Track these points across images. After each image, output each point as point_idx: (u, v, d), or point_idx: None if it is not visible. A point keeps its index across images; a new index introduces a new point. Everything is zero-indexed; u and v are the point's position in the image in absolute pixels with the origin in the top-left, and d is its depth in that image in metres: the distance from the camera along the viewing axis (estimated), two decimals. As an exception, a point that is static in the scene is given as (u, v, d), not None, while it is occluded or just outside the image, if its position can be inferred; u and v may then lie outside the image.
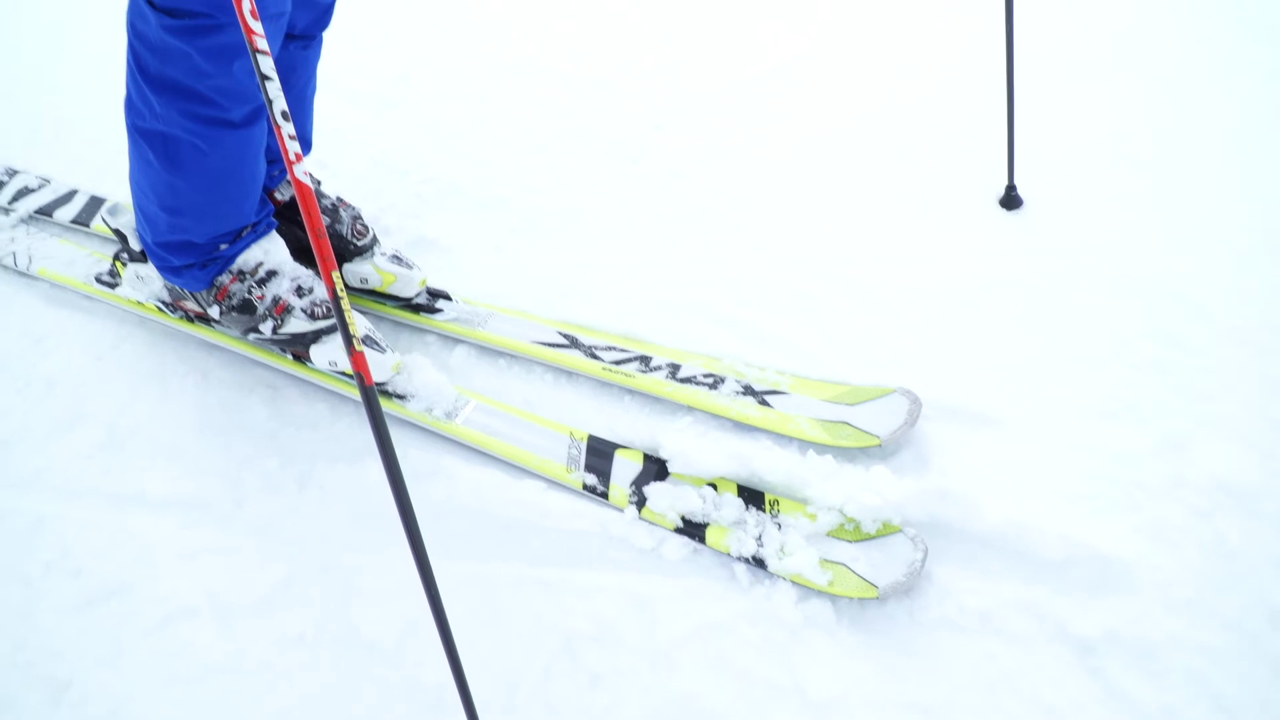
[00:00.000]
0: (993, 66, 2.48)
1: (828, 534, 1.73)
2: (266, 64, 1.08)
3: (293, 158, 1.12)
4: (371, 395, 1.21)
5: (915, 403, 1.91)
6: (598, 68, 2.95)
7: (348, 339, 1.20)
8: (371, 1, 2.26)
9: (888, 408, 1.92)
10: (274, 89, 1.09)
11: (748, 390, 1.99)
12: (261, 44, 1.07)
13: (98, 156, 2.53)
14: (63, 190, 2.43)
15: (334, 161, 2.50)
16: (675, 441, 1.88)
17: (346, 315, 1.19)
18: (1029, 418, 1.92)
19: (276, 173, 2.10)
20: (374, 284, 2.13)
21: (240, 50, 1.66)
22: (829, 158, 2.60)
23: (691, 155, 2.62)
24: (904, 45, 3.02)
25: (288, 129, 1.11)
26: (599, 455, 1.90)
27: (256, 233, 1.97)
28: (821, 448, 1.88)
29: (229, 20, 1.60)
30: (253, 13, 1.05)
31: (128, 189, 2.34)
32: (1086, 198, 2.43)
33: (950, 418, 1.93)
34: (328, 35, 2.05)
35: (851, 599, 1.65)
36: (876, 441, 1.85)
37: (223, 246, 1.93)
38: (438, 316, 2.15)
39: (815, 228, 2.39)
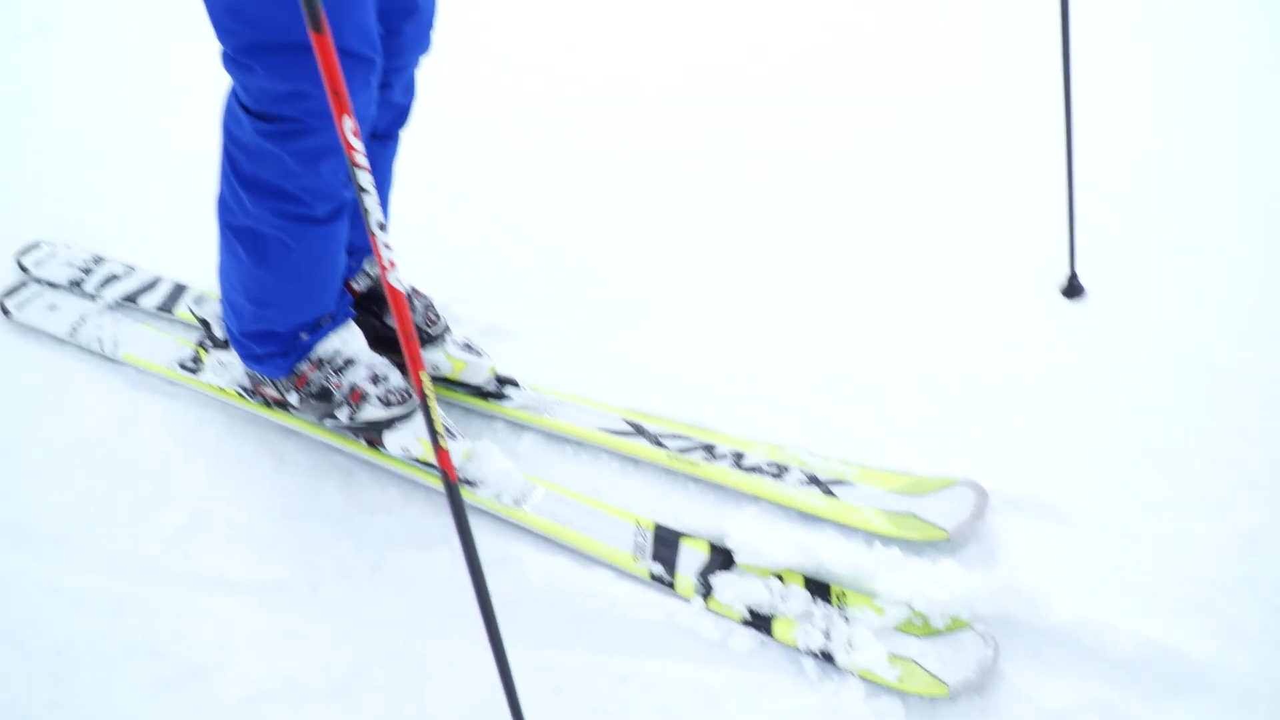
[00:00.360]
0: (1050, 152, 2.51)
1: (896, 628, 1.73)
2: (365, 179, 1.14)
3: (387, 264, 1.18)
4: (455, 492, 1.24)
5: (982, 495, 1.91)
6: (661, 159, 3.03)
7: (434, 437, 1.24)
8: (445, 97, 2.36)
9: (954, 499, 1.92)
10: (371, 202, 1.15)
11: (812, 480, 2.00)
12: (361, 160, 1.13)
13: (181, 245, 2.64)
14: (147, 278, 2.53)
15: (407, 251, 2.58)
16: (741, 531, 1.89)
17: (434, 415, 1.23)
18: (1098, 511, 1.91)
19: (354, 264, 2.18)
20: (445, 371, 2.19)
21: (326, 152, 1.75)
22: (888, 245, 2.63)
23: (753, 245, 2.67)
24: (959, 131, 3.06)
25: (382, 238, 1.17)
26: (665, 544, 1.91)
27: (335, 322, 2.04)
28: (888, 539, 1.88)
29: (319, 125, 1.68)
30: (355, 132, 1.12)
31: (207, 276, 2.45)
32: (1150, 286, 2.44)
33: (1018, 510, 1.93)
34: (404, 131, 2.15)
35: (922, 696, 1.64)
36: (944, 534, 1.85)
37: (303, 336, 2.00)
38: (506, 403, 2.20)
39: (876, 315, 2.41)
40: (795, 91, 3.33)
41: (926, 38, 3.57)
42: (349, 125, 1.12)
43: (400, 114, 2.05)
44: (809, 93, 3.31)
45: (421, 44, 1.96)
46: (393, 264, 1.18)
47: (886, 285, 2.51)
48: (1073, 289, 2.44)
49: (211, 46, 1.68)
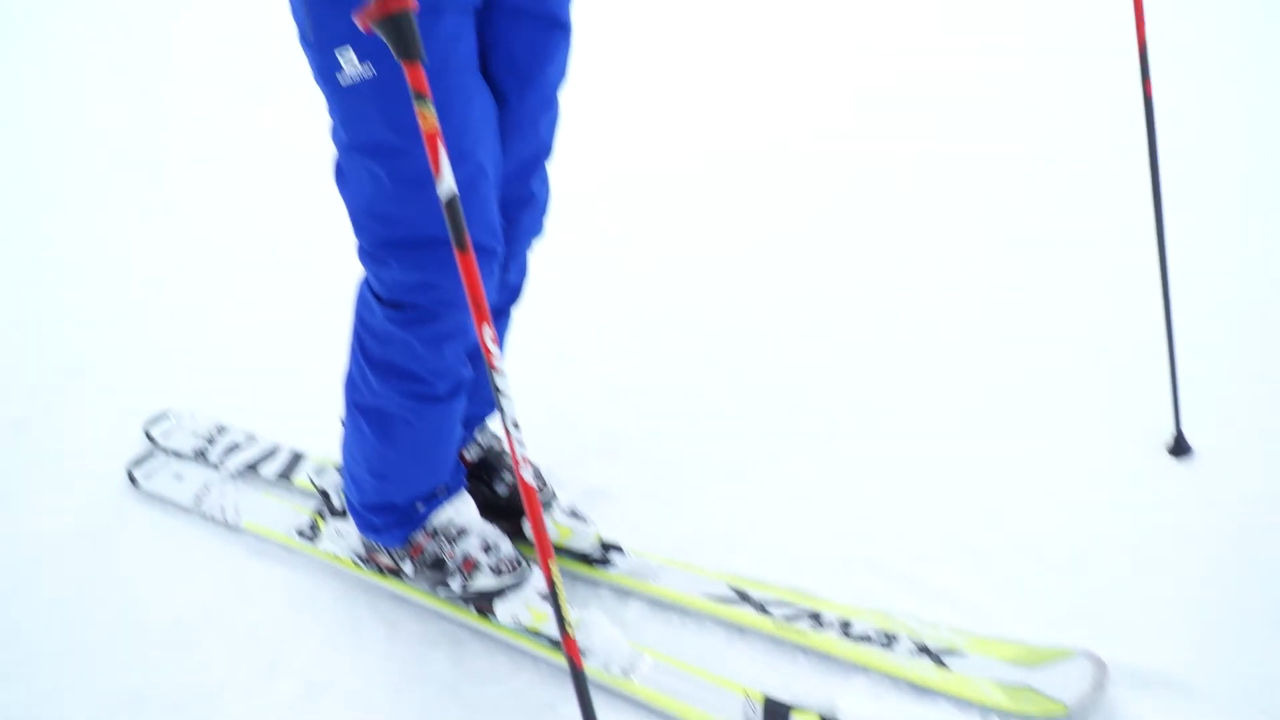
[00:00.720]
0: (1147, 309, 2.53)
1: (1020, 811, 1.68)
2: (503, 382, 1.21)
3: (520, 459, 1.24)
4: (583, 683, 1.27)
5: (1100, 666, 1.87)
6: (752, 318, 3.09)
7: (562, 625, 1.28)
8: (543, 266, 2.47)
9: (1071, 671, 1.88)
10: (508, 403, 1.22)
11: (923, 649, 1.98)
12: (500, 364, 1.21)
13: (297, 413, 2.76)
14: (267, 446, 2.65)
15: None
16: (853, 705, 1.87)
17: (562, 602, 1.28)
18: (1222, 684, 1.86)
19: (467, 435, 2.27)
20: (552, 538, 2.23)
21: (450, 335, 1.86)
22: (989, 408, 2.64)
23: (851, 407, 2.70)
24: (1055, 287, 3.08)
25: (517, 435, 1.24)
26: (776, 717, 1.90)
27: (449, 492, 2.11)
28: (1004, 713, 1.85)
29: (446, 312, 1.80)
30: (494, 339, 1.20)
31: (320, 443, 2.57)
32: (1260, 443, 2.40)
33: (1138, 683, 1.88)
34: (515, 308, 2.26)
35: None
36: (1063, 709, 1.81)
37: (419, 506, 2.08)
38: (611, 569, 2.23)
39: (981, 480, 2.41)
40: (878, 250, 3.39)
41: (1012, 179, 3.64)
42: (488, 333, 1.20)
43: (514, 293, 2.17)
44: (889, 255, 3.37)
45: (536, 229, 2.09)
46: (526, 460, 1.24)
47: (989, 450, 2.51)
48: (1179, 448, 2.42)
49: (329, 231, 1.81)
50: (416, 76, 1.09)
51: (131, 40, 5.90)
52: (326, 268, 3.14)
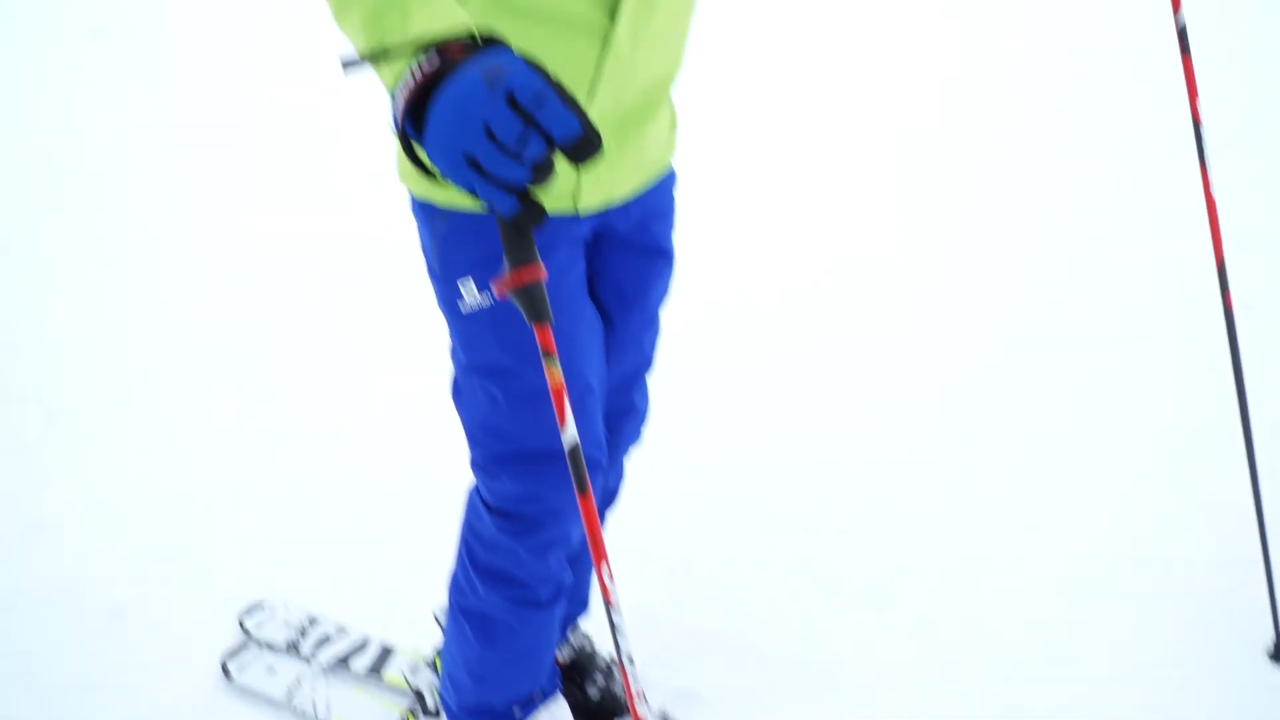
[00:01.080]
0: (1242, 511, 2.50)
1: None
2: (619, 619, 1.26)
3: (635, 694, 1.27)
4: None
5: None
6: (834, 513, 3.09)
7: None
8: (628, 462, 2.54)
9: None
10: (623, 640, 1.26)
11: None
12: (615, 598, 1.26)
13: (388, 607, 2.80)
14: (357, 639, 2.69)
15: (596, 612, 2.67)
16: None
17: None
18: None
19: (560, 636, 2.30)
20: (644, 743, 2.23)
21: (554, 543, 1.93)
22: (1078, 619, 2.60)
23: (940, 602, 2.68)
24: (1147, 490, 3.06)
25: (632, 671, 1.27)
26: None
27: (545, 696, 2.13)
28: None
29: (552, 522, 1.88)
30: (610, 576, 1.25)
31: (407, 636, 2.60)
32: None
33: None
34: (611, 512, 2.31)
35: None
36: None
37: (516, 711, 2.10)
38: (704, 780, 2.21)
39: (1076, 689, 2.37)
40: (966, 438, 3.39)
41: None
42: (606, 570, 1.25)
43: (611, 497, 2.25)
44: (978, 441, 3.37)
45: (635, 437, 2.17)
46: (642, 694, 1.27)
47: (1084, 658, 2.47)
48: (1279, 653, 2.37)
49: (438, 436, 1.88)
50: (545, 338, 1.19)
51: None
52: (419, 468, 3.24)
